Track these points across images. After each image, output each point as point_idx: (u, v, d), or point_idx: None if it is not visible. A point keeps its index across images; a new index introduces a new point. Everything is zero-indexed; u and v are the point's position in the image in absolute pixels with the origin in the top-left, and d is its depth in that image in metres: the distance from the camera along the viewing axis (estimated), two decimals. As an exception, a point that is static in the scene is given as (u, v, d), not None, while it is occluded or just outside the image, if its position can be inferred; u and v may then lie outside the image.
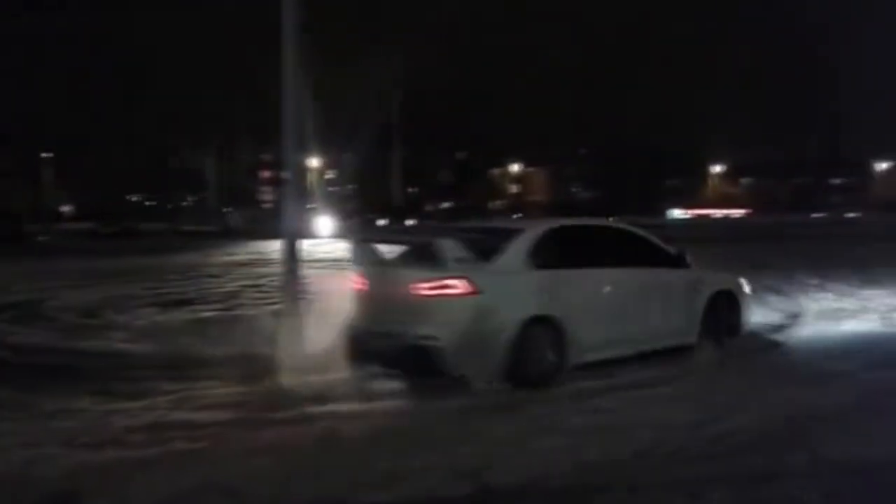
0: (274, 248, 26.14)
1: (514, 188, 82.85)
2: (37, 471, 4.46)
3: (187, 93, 54.88)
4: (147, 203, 70.35)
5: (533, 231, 7.21)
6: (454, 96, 58.77)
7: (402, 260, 7.25)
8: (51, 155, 60.07)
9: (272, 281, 14.39)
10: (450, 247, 6.52)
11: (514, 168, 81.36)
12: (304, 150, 11.30)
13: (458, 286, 6.37)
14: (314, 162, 59.55)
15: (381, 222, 51.60)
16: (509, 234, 7.08)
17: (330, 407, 5.89)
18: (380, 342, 6.60)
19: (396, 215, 52.87)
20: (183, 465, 4.59)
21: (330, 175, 70.39)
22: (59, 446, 4.89)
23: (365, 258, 7.25)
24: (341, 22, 37.92)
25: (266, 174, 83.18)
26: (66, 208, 60.50)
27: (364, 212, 54.03)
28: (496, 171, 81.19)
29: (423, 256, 6.77)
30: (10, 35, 59.28)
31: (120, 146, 59.13)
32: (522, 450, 4.86)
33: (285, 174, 10.52)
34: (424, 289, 6.45)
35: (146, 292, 12.97)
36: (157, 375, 7.02)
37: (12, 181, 63.88)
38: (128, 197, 69.84)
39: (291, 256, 10.67)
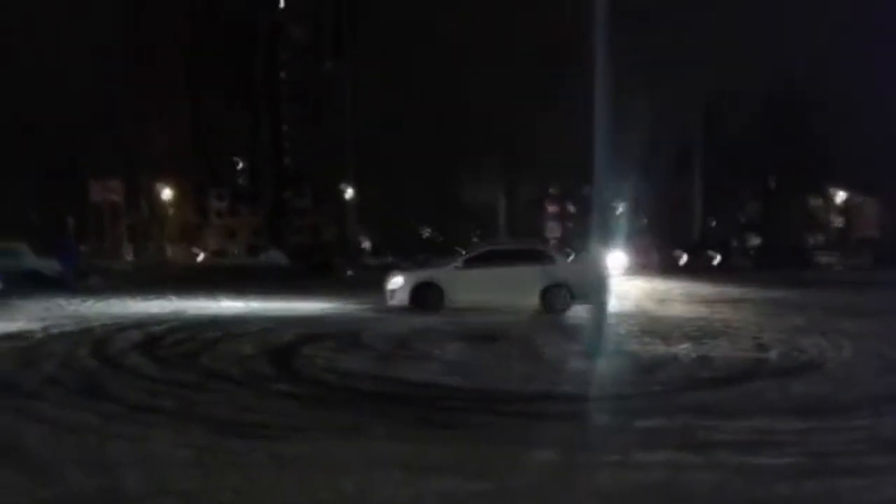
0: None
1: (838, 221, 75.03)
2: (378, 495, 4.92)
3: (475, 127, 57.89)
4: (438, 238, 74.92)
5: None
6: (765, 114, 55.82)
7: None
8: (349, 192, 66.44)
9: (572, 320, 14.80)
10: None
11: (839, 197, 73.32)
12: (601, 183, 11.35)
13: None
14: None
15: (683, 259, 49.96)
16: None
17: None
18: None
19: (697, 251, 51.07)
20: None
21: (620, 207, 69.89)
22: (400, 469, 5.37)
23: None
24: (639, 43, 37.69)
25: (552, 208, 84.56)
26: (365, 243, 66.30)
27: (662, 246, 52.80)
28: (816, 201, 74.42)
29: None
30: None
31: (412, 181, 63.62)
32: None
33: (608, 210, 10.75)
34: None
35: (448, 327, 13.89)
36: (468, 407, 7.50)
37: (318, 217, 71.44)
38: (420, 232, 74.97)
39: (601, 291, 10.89)
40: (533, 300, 16.76)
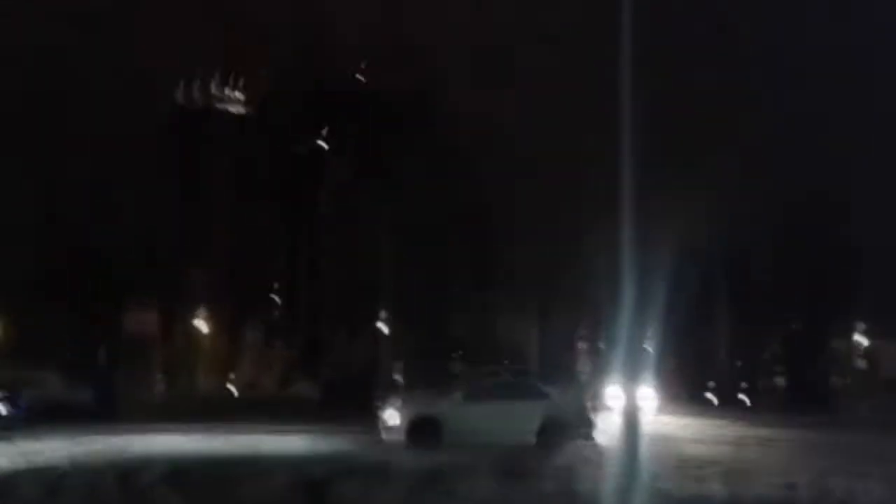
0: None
1: (861, 364, 73.26)
2: None
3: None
4: (468, 371, 73.69)
5: None
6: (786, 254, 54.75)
7: None
8: (384, 327, 66.30)
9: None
10: None
11: (862, 339, 71.70)
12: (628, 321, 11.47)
13: None
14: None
15: (713, 400, 49.00)
16: None
17: None
18: None
19: (723, 390, 50.16)
20: None
21: (648, 345, 68.86)
22: None
23: None
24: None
25: (583, 344, 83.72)
26: (398, 377, 65.40)
27: (689, 385, 51.97)
28: (839, 343, 72.77)
29: None
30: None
31: (446, 314, 63.13)
32: None
33: (636, 347, 10.93)
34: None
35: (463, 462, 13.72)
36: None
37: (352, 351, 71.22)
38: (451, 366, 74.14)
39: (631, 433, 10.94)
40: (530, 436, 16.46)
